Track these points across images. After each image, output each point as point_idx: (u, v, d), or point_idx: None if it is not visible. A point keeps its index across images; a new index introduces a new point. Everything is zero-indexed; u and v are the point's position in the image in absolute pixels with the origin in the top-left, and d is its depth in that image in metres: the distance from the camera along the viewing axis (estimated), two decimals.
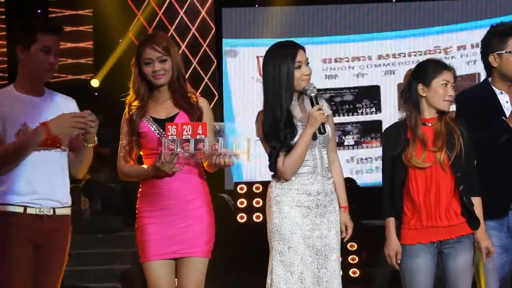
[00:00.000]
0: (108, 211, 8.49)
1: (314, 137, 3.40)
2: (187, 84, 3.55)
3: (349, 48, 7.34)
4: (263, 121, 3.40)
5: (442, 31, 7.12)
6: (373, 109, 7.45)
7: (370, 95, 7.43)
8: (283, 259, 3.34)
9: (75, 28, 9.79)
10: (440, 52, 7.27)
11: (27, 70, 3.31)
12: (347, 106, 7.43)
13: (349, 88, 7.48)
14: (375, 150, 7.43)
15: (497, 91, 3.67)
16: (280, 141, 3.36)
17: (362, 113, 7.45)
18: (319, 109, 3.36)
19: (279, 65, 3.37)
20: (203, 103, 3.54)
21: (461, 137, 3.42)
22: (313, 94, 3.40)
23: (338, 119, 7.22)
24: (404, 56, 7.18)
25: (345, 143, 7.39)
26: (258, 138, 3.45)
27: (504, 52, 3.63)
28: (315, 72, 7.18)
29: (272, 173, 3.44)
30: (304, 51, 3.44)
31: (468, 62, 7.10)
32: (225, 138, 3.32)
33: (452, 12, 7.22)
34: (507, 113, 3.62)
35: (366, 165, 7.46)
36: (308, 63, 3.43)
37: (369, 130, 7.48)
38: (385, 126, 7.69)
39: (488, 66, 3.71)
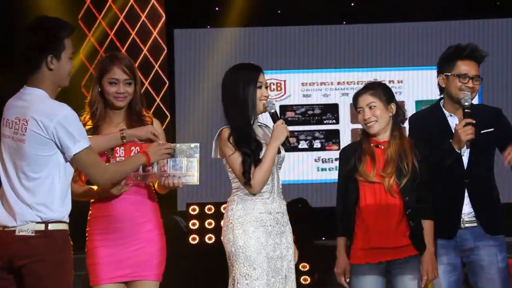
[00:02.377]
0: None
1: (278, 151, 3.43)
2: (143, 108, 3.53)
3: (319, 76, 9.87)
4: (232, 136, 3.39)
5: (380, 70, 9.69)
6: (334, 121, 9.84)
7: (331, 110, 9.84)
8: (249, 282, 3.32)
9: None
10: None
11: (57, 79, 3.03)
12: (316, 118, 9.76)
13: (318, 105, 9.86)
14: (334, 153, 9.70)
15: (446, 113, 3.70)
16: (252, 150, 3.38)
17: (326, 123, 9.79)
18: (283, 124, 3.41)
19: (245, 87, 3.42)
20: (155, 124, 3.52)
21: (415, 160, 3.46)
22: (273, 111, 3.46)
23: (310, 127, 9.73)
24: (354, 84, 9.67)
25: (314, 146, 9.73)
26: (219, 157, 3.44)
27: (450, 74, 3.67)
28: (297, 92, 9.22)
29: (236, 190, 3.43)
30: (263, 73, 3.50)
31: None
32: (175, 159, 3.29)
33: (392, 57, 9.64)
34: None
35: (329, 164, 9.65)
36: (266, 86, 3.50)
37: (330, 137, 9.84)
38: (341, 134, 9.88)
39: (439, 87, 3.75)
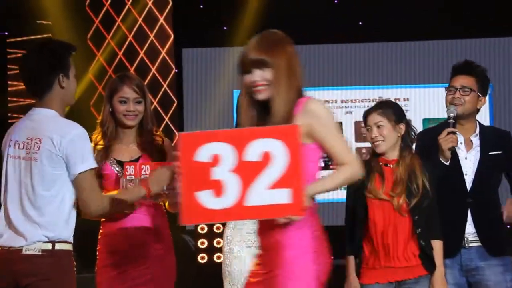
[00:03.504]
0: None
1: None
2: (155, 127, 3.54)
3: (322, 94, 9.64)
4: None
5: (385, 87, 9.48)
6: None
7: None
8: None
9: None
10: None
11: (67, 97, 3.08)
12: None
13: None
14: None
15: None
16: None
17: None
18: None
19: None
20: (166, 143, 3.54)
21: (425, 180, 3.45)
22: None
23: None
24: (358, 102, 9.47)
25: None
26: None
27: (445, 90, 3.76)
28: None
29: None
30: None
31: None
32: None
33: (398, 75, 9.53)
34: (460, 154, 3.67)
35: None
36: None
37: None
38: None
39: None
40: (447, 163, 3.57)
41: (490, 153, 3.63)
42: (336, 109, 9.66)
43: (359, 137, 9.58)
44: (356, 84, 9.63)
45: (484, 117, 9.04)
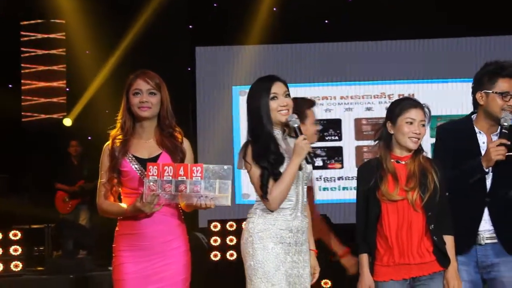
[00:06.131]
0: (80, 251, 8.39)
1: (300, 167, 3.39)
2: (174, 123, 3.54)
3: (321, 90, 9.45)
4: (252, 148, 3.37)
5: (387, 82, 9.37)
6: (336, 137, 9.36)
7: (334, 126, 9.40)
8: None
9: (47, 52, 9.80)
10: (384, 97, 9.44)
11: None
12: (318, 134, 9.18)
13: (319, 120, 9.25)
14: (337, 171, 9.37)
15: (476, 129, 3.68)
16: (270, 163, 3.34)
17: (328, 140, 9.33)
18: (305, 139, 3.36)
19: (258, 98, 3.41)
20: (185, 144, 3.54)
21: (436, 176, 3.43)
22: (296, 125, 3.41)
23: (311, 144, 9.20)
24: (359, 98, 9.29)
25: (315, 164, 9.11)
26: (244, 169, 3.41)
27: (491, 92, 3.62)
28: None
29: (258, 204, 3.39)
30: (284, 83, 3.46)
31: None
32: (209, 180, 3.26)
33: (398, 70, 9.44)
34: (482, 153, 3.62)
35: (331, 184, 9.31)
36: (287, 94, 3.44)
37: (332, 154, 9.34)
38: (344, 151, 9.34)
39: (475, 103, 3.71)
40: (487, 170, 3.54)
41: (508, 154, 3.56)
42: (335, 106, 9.47)
43: (359, 135, 9.38)
44: (356, 80, 9.46)
45: None
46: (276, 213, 3.38)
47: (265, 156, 3.34)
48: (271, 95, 3.40)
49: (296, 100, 4.20)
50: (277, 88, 3.42)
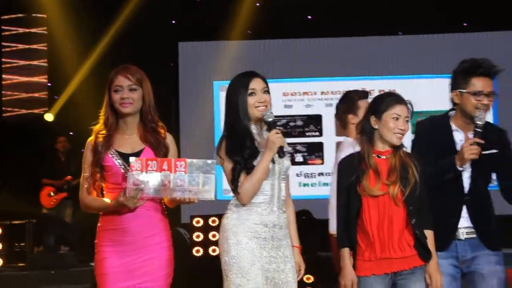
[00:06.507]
0: (62, 247, 8.36)
1: (273, 161, 3.39)
2: (157, 118, 3.54)
3: (301, 85, 9.37)
4: (226, 142, 3.38)
5: (368, 78, 9.28)
6: (317, 133, 9.34)
7: (315, 122, 9.37)
8: None
9: (27, 46, 9.72)
10: None
11: None
12: (298, 130, 9.24)
13: (300, 116, 9.33)
14: (318, 167, 9.35)
15: (453, 126, 3.69)
16: (244, 158, 3.35)
17: (309, 136, 9.31)
18: (277, 133, 3.37)
19: (236, 93, 3.42)
20: (169, 139, 3.54)
21: (416, 171, 3.46)
22: (270, 119, 3.41)
23: (291, 140, 8.90)
24: (340, 93, 9.24)
25: (296, 160, 9.10)
26: (219, 164, 3.41)
27: (465, 91, 3.63)
28: (277, 102, 8.55)
29: (234, 199, 3.40)
30: (263, 79, 3.47)
31: None
32: (192, 174, 3.27)
33: (379, 66, 9.39)
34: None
35: (311, 180, 9.27)
36: (265, 91, 3.45)
37: (313, 150, 9.30)
38: (325, 147, 9.29)
39: (452, 102, 3.72)
40: (461, 169, 3.56)
41: (484, 153, 3.58)
42: (316, 101, 9.44)
43: (339, 130, 9.33)
44: (337, 75, 9.43)
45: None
46: (250, 208, 3.38)
47: (240, 150, 3.35)
48: (249, 91, 3.42)
49: (349, 92, 4.20)
50: (255, 84, 3.44)
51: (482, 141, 3.53)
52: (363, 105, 4.20)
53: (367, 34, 9.51)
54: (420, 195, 3.47)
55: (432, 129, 3.75)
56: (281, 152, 3.37)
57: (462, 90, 3.64)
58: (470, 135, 3.64)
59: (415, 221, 3.44)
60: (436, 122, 3.80)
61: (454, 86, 3.69)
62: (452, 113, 3.75)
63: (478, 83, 3.61)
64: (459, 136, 3.68)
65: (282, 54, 9.53)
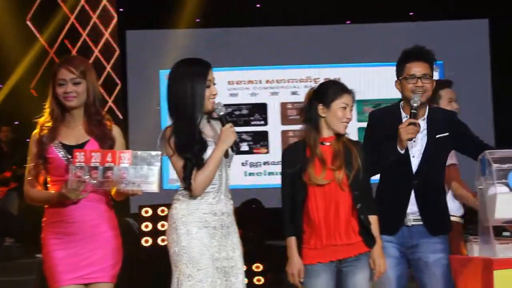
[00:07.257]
0: (7, 238, 8.21)
1: (226, 155, 3.39)
2: (103, 110, 3.51)
3: (246, 74, 9.36)
4: (174, 137, 3.33)
5: (313, 66, 9.30)
6: (262, 122, 9.32)
7: (260, 110, 9.37)
8: (192, 283, 3.27)
9: None
10: (310, 81, 9.34)
11: None
12: (243, 119, 9.25)
13: (245, 104, 9.33)
14: (263, 156, 9.35)
15: (403, 115, 3.78)
16: (194, 154, 3.32)
17: (254, 125, 9.29)
18: (231, 127, 3.36)
19: (191, 84, 3.34)
20: (115, 131, 3.51)
21: (359, 156, 3.52)
22: (222, 113, 3.39)
23: (236, 129, 8.86)
24: (285, 82, 9.27)
25: (241, 149, 8.83)
26: (166, 155, 3.37)
27: (401, 78, 3.77)
28: (222, 91, 8.46)
29: (181, 189, 3.38)
30: (212, 70, 3.41)
31: None
32: (135, 166, 3.25)
33: (325, 54, 9.39)
34: None
35: (257, 169, 9.26)
36: (215, 83, 3.42)
37: (258, 139, 9.30)
38: (270, 136, 9.29)
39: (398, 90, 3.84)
40: (402, 152, 3.64)
41: (437, 136, 3.72)
42: (261, 90, 9.44)
43: (285, 120, 9.41)
44: (282, 64, 9.41)
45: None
46: (199, 198, 3.36)
47: (189, 147, 3.32)
48: (207, 83, 3.37)
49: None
50: (211, 75, 3.39)
51: (416, 121, 3.63)
52: (444, 94, 4.45)
53: (314, 23, 9.56)
54: (363, 180, 3.52)
55: (385, 119, 3.84)
56: (234, 146, 3.38)
57: (400, 78, 3.78)
58: (420, 121, 3.73)
59: (360, 206, 3.49)
60: (388, 111, 3.90)
61: (396, 75, 3.82)
62: (402, 102, 3.85)
63: (410, 68, 3.74)
64: None
65: (228, 43, 9.50)
